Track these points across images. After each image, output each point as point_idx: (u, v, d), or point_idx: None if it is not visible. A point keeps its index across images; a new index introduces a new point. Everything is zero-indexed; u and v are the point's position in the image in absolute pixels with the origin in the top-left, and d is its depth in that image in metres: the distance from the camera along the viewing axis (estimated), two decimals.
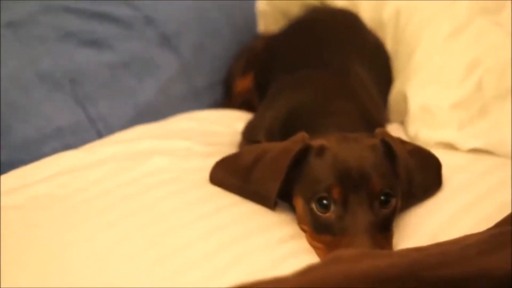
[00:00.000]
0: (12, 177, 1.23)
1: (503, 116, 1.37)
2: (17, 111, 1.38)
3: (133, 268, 1.03)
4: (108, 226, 1.10)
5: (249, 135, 1.39)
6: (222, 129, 1.48)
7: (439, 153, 1.28)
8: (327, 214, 1.08)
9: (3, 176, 1.23)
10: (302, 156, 1.13)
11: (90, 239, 1.07)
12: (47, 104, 1.42)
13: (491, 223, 1.07)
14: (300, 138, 1.15)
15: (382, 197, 1.08)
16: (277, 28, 1.75)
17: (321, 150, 1.12)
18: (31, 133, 1.39)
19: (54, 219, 1.12)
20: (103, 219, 1.11)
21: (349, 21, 1.61)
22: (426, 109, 1.42)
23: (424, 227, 1.15)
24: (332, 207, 1.08)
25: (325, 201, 1.08)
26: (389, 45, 1.59)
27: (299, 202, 1.13)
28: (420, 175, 1.19)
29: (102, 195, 1.17)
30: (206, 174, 1.23)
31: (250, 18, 1.81)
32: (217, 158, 1.25)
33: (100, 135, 1.45)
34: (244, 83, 1.67)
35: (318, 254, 1.10)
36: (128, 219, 1.12)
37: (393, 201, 1.10)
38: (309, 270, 0.91)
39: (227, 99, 1.72)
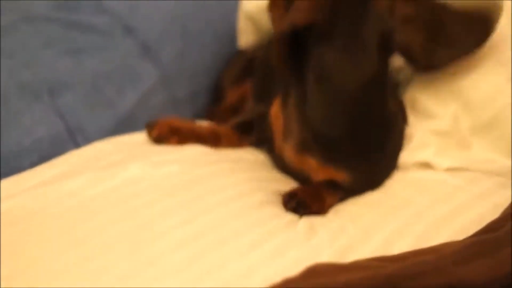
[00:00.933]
0: None
1: (481, 151, 1.37)
2: None
3: (111, 279, 1.02)
4: (85, 238, 1.09)
5: None
6: None
7: (416, 172, 1.32)
8: None
9: None
10: None
11: (66, 251, 1.06)
12: (27, 115, 1.41)
13: (467, 235, 1.07)
14: None
15: None
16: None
17: None
18: (10, 145, 1.37)
19: (28, 233, 1.10)
20: (79, 231, 1.11)
21: None
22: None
23: (403, 237, 1.15)
24: None
25: None
26: None
27: None
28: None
29: (78, 207, 1.16)
30: (181, 180, 1.24)
31: (232, 28, 1.81)
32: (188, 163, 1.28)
33: (78, 146, 1.43)
34: (236, 93, 1.67)
35: None
36: (105, 230, 1.11)
37: None
38: (285, 283, 0.91)
39: (215, 108, 1.72)
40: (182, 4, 1.70)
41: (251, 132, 1.46)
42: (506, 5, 1.46)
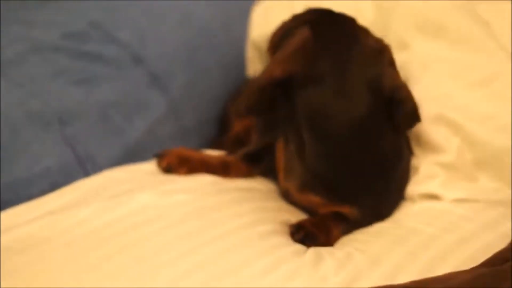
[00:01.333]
0: None
1: (487, 182, 1.38)
2: (5, 152, 1.37)
3: None
4: (94, 266, 1.10)
5: None
6: None
7: (423, 203, 1.34)
8: None
9: None
10: None
11: (74, 281, 1.08)
12: (36, 144, 1.41)
13: (474, 264, 1.08)
14: None
15: None
16: None
17: None
18: (20, 174, 1.37)
19: (38, 262, 1.11)
20: (88, 260, 1.12)
21: None
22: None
23: (410, 266, 1.15)
24: None
25: None
26: None
27: None
28: None
29: (86, 236, 1.17)
30: (190, 209, 1.25)
31: (240, 57, 1.82)
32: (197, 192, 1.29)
33: (87, 175, 1.43)
34: (242, 124, 1.67)
35: None
36: (113, 259, 1.12)
37: None
38: None
39: (221, 137, 1.73)
40: (190, 34, 1.71)
41: (260, 162, 1.46)
42: (506, 5, 1.50)
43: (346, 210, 1.30)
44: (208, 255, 1.14)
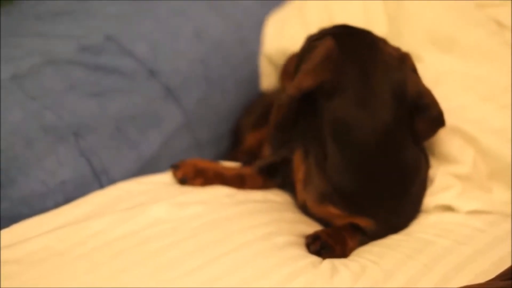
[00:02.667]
0: (13, 231, 1.23)
1: (501, 193, 1.39)
2: (20, 165, 1.37)
3: None
4: (109, 279, 1.11)
5: None
6: None
7: (438, 215, 1.34)
8: None
9: (4, 231, 1.23)
10: None
11: None
12: (51, 157, 1.41)
13: (488, 277, 1.07)
14: None
15: None
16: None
17: None
18: (35, 187, 1.38)
19: (52, 274, 1.12)
20: (102, 272, 1.12)
21: None
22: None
23: (424, 279, 1.16)
24: None
25: None
26: None
27: None
28: None
29: (100, 248, 1.17)
30: (206, 220, 1.25)
31: (254, 71, 1.82)
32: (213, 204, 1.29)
33: (102, 188, 1.43)
34: (255, 137, 1.68)
35: None
36: (128, 271, 1.12)
37: None
38: None
39: (233, 152, 1.73)
40: (205, 47, 1.72)
41: (275, 174, 1.46)
42: (478, 20, 1.51)
43: (363, 222, 1.30)
44: (224, 267, 1.14)
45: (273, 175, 1.46)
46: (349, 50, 1.28)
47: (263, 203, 1.39)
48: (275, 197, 1.43)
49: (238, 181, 1.42)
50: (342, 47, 1.27)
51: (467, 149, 1.40)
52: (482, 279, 1.09)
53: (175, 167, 1.42)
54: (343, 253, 1.27)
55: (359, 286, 1.15)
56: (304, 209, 1.39)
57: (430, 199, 1.39)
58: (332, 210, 1.32)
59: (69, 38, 1.58)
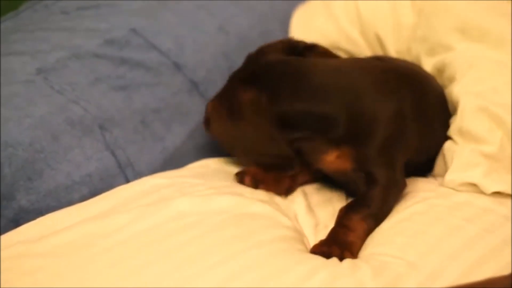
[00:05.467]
0: (39, 224, 1.24)
1: None
2: (47, 158, 1.38)
3: None
4: (131, 273, 1.11)
5: None
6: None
7: (465, 196, 1.33)
8: None
9: (31, 223, 1.24)
10: None
11: (115, 286, 1.09)
12: (77, 150, 1.42)
13: None
14: None
15: None
16: None
17: None
18: (61, 180, 1.38)
19: (77, 268, 1.13)
20: (126, 266, 1.12)
21: None
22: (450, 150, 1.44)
23: (449, 270, 1.15)
24: None
25: None
26: None
27: None
28: None
29: (125, 242, 1.18)
30: (226, 216, 1.25)
31: None
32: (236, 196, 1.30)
33: (127, 181, 1.44)
34: None
35: None
36: (153, 265, 1.12)
37: None
38: None
39: None
40: (229, 41, 1.72)
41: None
42: (499, 8, 1.52)
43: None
44: (245, 263, 1.14)
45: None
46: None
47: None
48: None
49: (290, 180, 1.42)
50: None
51: (495, 130, 1.40)
52: (508, 270, 1.07)
53: (240, 175, 1.42)
54: (349, 251, 1.25)
55: (381, 279, 1.14)
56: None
57: (457, 175, 1.38)
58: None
59: (94, 32, 1.59)
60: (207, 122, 1.46)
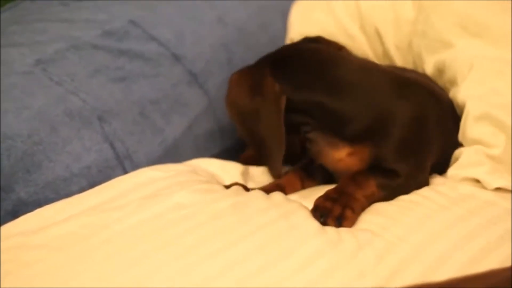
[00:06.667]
0: (37, 216, 1.23)
1: None
2: (45, 150, 1.38)
3: None
4: (131, 263, 1.10)
5: None
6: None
7: (466, 187, 1.33)
8: None
9: (29, 215, 1.24)
10: None
11: (114, 278, 1.08)
12: (76, 142, 1.42)
13: None
14: None
15: None
16: None
17: None
18: (60, 172, 1.38)
19: (77, 259, 1.12)
20: (126, 256, 1.12)
21: None
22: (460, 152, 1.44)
23: (451, 260, 1.14)
24: None
25: None
26: None
27: None
28: None
29: (123, 233, 1.17)
30: (224, 204, 1.25)
31: None
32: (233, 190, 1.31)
33: (125, 173, 1.43)
34: None
35: None
36: (152, 255, 1.12)
37: None
38: None
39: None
40: (228, 32, 1.72)
41: (314, 173, 1.47)
42: (498, 3, 1.51)
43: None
44: (246, 249, 1.13)
45: (311, 174, 1.47)
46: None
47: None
48: None
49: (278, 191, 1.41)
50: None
51: (498, 134, 1.40)
52: (509, 263, 1.07)
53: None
54: (351, 208, 1.26)
55: (386, 264, 1.12)
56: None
57: (459, 171, 1.38)
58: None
59: (93, 23, 1.59)
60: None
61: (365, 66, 1.43)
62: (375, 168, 1.34)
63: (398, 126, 1.35)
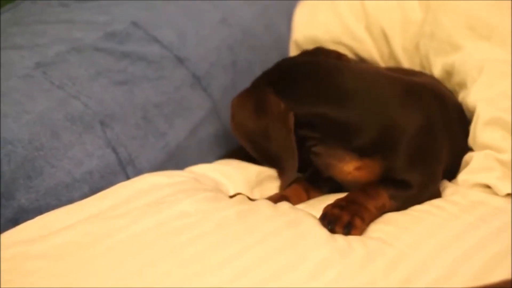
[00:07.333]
0: (38, 223, 1.21)
1: None
2: (47, 155, 1.35)
3: None
4: (137, 273, 1.08)
5: None
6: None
7: (478, 195, 1.32)
8: None
9: (30, 222, 1.22)
10: None
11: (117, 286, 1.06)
12: (78, 147, 1.40)
13: None
14: None
15: None
16: None
17: None
18: (61, 177, 1.36)
19: (78, 269, 1.10)
20: (130, 266, 1.10)
21: None
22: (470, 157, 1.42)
23: (462, 270, 1.12)
24: None
25: None
26: None
27: None
28: None
29: (127, 241, 1.15)
30: (229, 212, 1.23)
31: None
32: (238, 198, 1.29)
33: (128, 179, 1.41)
34: None
35: None
36: (157, 264, 1.10)
37: None
38: None
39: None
40: (232, 34, 1.70)
41: (321, 184, 1.45)
42: (506, 5, 1.50)
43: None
44: (253, 259, 1.11)
45: (317, 185, 1.45)
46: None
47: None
48: None
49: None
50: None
51: (508, 138, 1.39)
52: None
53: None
54: (361, 217, 1.24)
55: (393, 276, 1.10)
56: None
57: (470, 176, 1.37)
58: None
59: (94, 25, 1.57)
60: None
61: (369, 73, 1.41)
62: (386, 178, 1.32)
63: (407, 136, 1.32)
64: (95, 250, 1.13)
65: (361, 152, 1.32)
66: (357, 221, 1.22)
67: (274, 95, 1.33)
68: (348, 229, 1.21)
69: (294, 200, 1.40)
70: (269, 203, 1.29)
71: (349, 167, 1.35)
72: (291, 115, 1.31)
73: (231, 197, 1.34)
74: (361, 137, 1.31)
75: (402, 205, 1.30)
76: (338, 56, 1.47)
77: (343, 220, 1.22)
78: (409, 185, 1.31)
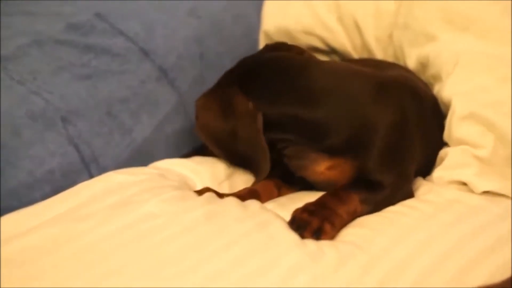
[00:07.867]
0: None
1: None
2: (7, 155, 1.31)
3: None
4: (102, 278, 1.05)
5: None
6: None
7: (455, 193, 1.29)
8: None
9: None
10: None
11: None
12: (39, 145, 1.35)
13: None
14: None
15: None
16: None
17: None
18: (22, 177, 1.32)
19: (41, 275, 1.06)
20: (96, 271, 1.06)
21: None
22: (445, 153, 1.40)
23: (439, 272, 1.10)
24: None
25: None
26: None
27: None
28: None
29: (93, 246, 1.11)
30: (198, 213, 1.19)
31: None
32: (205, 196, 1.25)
33: (91, 177, 1.37)
34: None
35: None
36: (124, 269, 1.07)
37: None
38: None
39: None
40: (200, 25, 1.66)
41: (292, 182, 1.41)
42: (506, 5, 1.47)
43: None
44: (224, 263, 1.09)
45: (290, 183, 1.41)
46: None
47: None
48: None
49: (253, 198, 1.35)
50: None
51: (487, 135, 1.37)
52: (502, 272, 1.05)
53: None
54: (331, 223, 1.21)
55: (368, 280, 1.08)
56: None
57: (446, 172, 1.35)
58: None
59: (57, 16, 1.53)
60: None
61: (337, 70, 1.38)
62: (358, 180, 1.29)
63: (379, 134, 1.30)
64: (58, 255, 1.09)
65: (333, 152, 1.30)
66: (327, 227, 1.19)
67: (241, 95, 1.30)
68: (318, 235, 1.18)
69: (265, 196, 1.37)
70: (238, 202, 1.26)
71: (321, 167, 1.32)
72: (259, 115, 1.28)
73: (199, 192, 1.30)
74: (332, 136, 1.29)
75: (375, 208, 1.27)
76: (301, 51, 1.44)
77: (312, 226, 1.19)
78: (382, 186, 1.29)
